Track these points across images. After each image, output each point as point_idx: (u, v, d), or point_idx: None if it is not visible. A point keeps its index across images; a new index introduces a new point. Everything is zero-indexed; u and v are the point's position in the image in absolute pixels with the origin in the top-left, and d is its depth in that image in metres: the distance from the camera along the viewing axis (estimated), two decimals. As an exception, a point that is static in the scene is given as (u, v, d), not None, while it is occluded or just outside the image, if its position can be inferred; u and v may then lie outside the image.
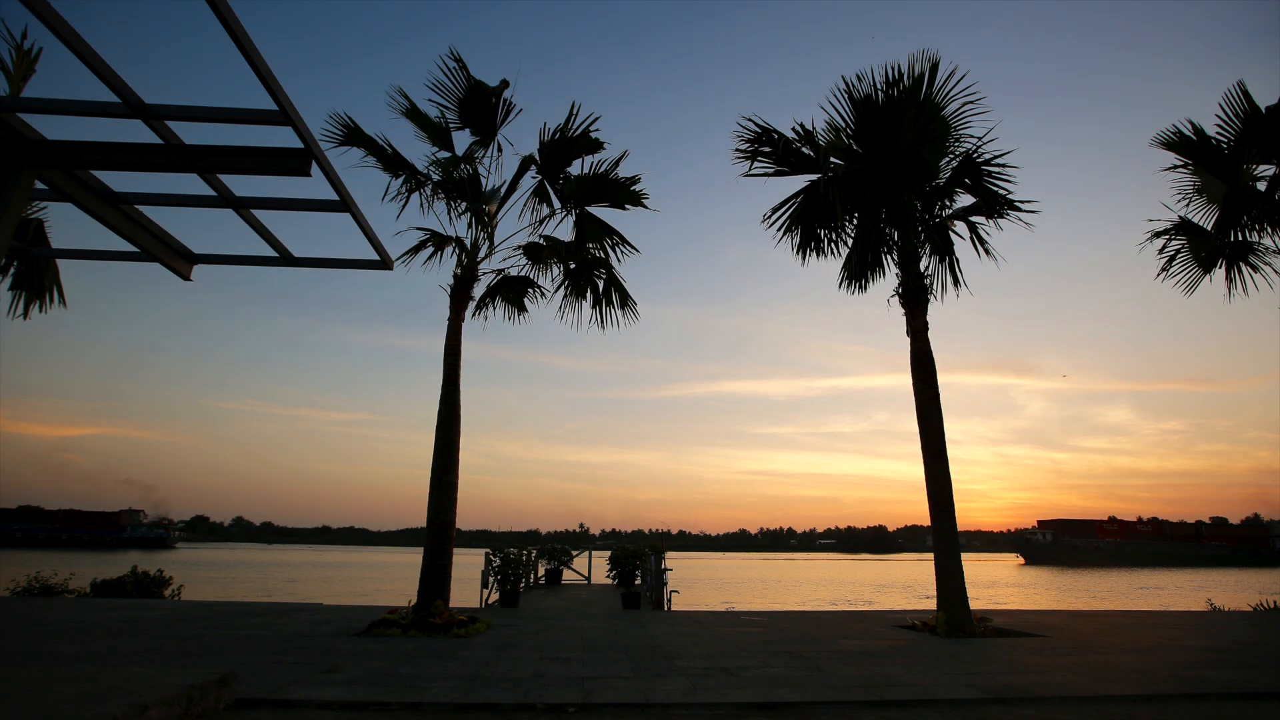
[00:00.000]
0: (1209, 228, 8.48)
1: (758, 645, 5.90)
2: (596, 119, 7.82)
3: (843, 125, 8.05)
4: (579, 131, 7.91)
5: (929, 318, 7.89)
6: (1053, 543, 55.02)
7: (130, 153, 3.85)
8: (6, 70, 4.26)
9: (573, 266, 8.87)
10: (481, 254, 8.13)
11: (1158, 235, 8.83)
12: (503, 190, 8.24)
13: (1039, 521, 60.23)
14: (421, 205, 8.12)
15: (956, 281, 8.32)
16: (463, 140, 8.10)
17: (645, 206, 8.49)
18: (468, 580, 17.33)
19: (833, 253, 8.78)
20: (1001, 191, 7.68)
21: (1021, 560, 57.19)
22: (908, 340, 7.86)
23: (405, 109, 7.85)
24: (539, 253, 8.68)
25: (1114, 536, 55.33)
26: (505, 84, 7.67)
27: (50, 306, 7.66)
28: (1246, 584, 36.09)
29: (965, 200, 8.20)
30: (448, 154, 8.04)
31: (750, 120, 7.90)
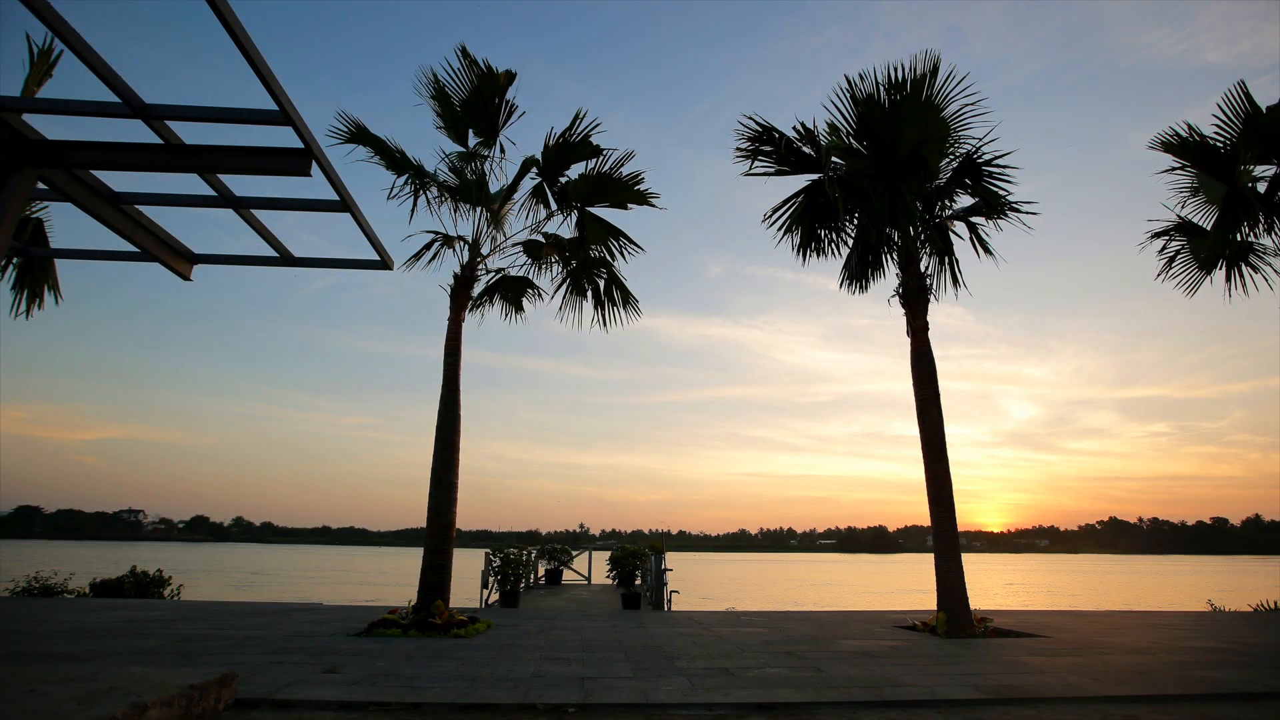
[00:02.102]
0: (1208, 228, 8.48)
1: (758, 646, 5.89)
2: (598, 125, 7.80)
3: (844, 125, 8.03)
4: (580, 137, 7.90)
5: (929, 318, 7.90)
6: None
7: (130, 153, 3.85)
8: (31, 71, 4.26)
9: (574, 265, 8.86)
10: (482, 253, 8.12)
11: (1157, 236, 8.84)
12: (505, 191, 8.23)
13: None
14: (416, 206, 8.01)
15: (956, 282, 8.33)
16: (468, 139, 8.12)
17: (653, 205, 8.39)
18: (468, 580, 17.31)
19: (833, 253, 8.79)
20: (1001, 192, 7.68)
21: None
22: (906, 343, 7.87)
23: (432, 92, 7.80)
24: (539, 249, 8.67)
25: None
26: (511, 75, 7.62)
27: (45, 305, 7.67)
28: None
29: (965, 200, 8.21)
30: (459, 148, 8.02)
31: (751, 119, 7.88)
